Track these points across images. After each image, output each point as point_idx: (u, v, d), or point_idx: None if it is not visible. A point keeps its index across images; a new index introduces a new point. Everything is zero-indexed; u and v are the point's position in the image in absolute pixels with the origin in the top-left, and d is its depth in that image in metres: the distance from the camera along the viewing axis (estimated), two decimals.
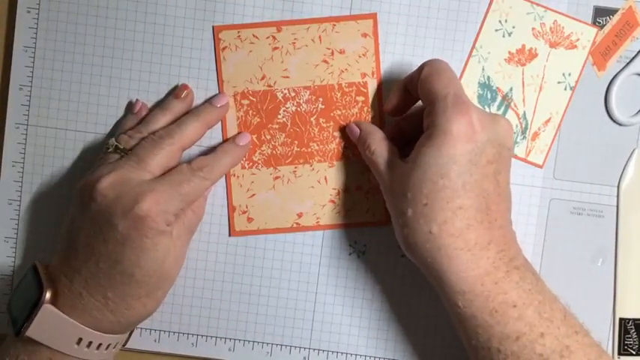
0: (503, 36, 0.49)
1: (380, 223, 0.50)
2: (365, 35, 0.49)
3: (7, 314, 0.45)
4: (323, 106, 0.49)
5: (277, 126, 0.50)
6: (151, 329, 0.51)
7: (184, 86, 0.49)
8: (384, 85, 0.49)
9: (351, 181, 0.50)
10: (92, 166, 0.46)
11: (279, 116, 0.49)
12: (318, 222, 0.50)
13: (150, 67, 0.50)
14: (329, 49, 0.49)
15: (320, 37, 0.49)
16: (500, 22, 0.49)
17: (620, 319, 0.50)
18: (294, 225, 0.50)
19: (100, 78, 0.50)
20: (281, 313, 0.51)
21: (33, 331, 0.42)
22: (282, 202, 0.50)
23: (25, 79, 0.50)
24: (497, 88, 0.50)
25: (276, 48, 0.49)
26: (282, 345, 0.51)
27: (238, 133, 0.49)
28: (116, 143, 0.46)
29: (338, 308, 0.50)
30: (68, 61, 0.50)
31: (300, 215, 0.50)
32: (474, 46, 0.49)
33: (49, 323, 0.42)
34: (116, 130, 0.50)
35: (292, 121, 0.49)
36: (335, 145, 0.50)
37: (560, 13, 0.49)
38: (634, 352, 0.50)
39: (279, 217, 0.50)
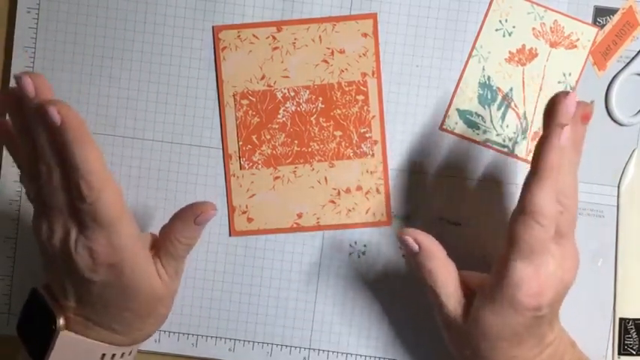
0: (504, 36, 0.49)
1: (380, 223, 0.50)
2: (365, 35, 0.49)
3: (20, 340, 0.44)
4: (323, 106, 0.49)
5: (277, 126, 0.49)
6: None
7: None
8: (385, 84, 0.49)
9: (352, 182, 0.50)
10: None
11: (279, 116, 0.49)
12: (318, 222, 0.50)
13: (150, 67, 0.50)
14: (329, 48, 0.49)
15: (320, 37, 0.49)
16: (500, 21, 0.49)
17: (620, 319, 0.50)
18: (294, 225, 0.50)
19: (100, 78, 0.50)
20: (281, 313, 0.51)
21: (55, 359, 0.42)
22: (282, 202, 0.50)
23: None
24: (497, 88, 0.50)
25: (276, 48, 0.49)
26: (282, 345, 0.51)
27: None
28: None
29: (338, 308, 0.50)
30: (68, 61, 0.50)
31: (300, 215, 0.50)
32: (474, 46, 0.49)
33: (69, 349, 0.42)
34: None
35: (292, 121, 0.49)
36: (335, 144, 0.50)
37: (560, 12, 0.49)
38: (634, 352, 0.50)
39: (279, 217, 0.50)
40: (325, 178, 0.50)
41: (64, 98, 0.50)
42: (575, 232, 0.41)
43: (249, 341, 0.51)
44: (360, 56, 0.49)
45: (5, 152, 0.50)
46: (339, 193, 0.50)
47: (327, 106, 0.49)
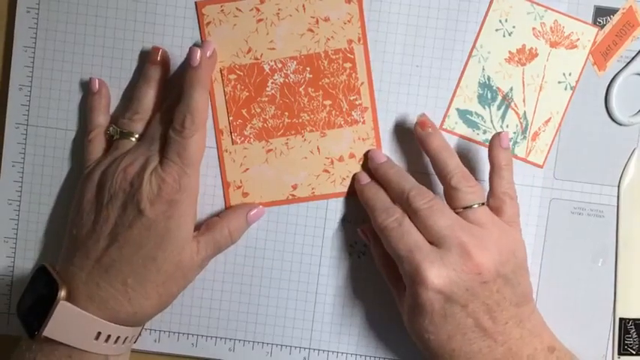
0: (504, 36, 0.49)
1: None
2: (349, 1, 0.49)
3: (18, 318, 0.45)
4: (311, 76, 0.49)
5: (266, 99, 0.49)
6: (150, 329, 0.51)
7: (155, 49, 0.48)
8: (371, 50, 0.49)
9: (344, 150, 0.50)
10: (106, 156, 0.47)
11: (268, 89, 0.49)
12: (313, 192, 0.50)
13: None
14: (313, 17, 0.49)
15: (304, 5, 0.49)
16: (500, 21, 0.49)
17: (620, 319, 0.50)
18: (290, 197, 0.50)
19: (100, 78, 0.50)
20: (281, 313, 0.51)
21: (50, 330, 0.42)
22: (276, 174, 0.50)
23: (25, 79, 0.50)
24: (497, 87, 0.50)
25: (260, 20, 0.49)
26: (282, 345, 0.51)
27: (190, 49, 0.46)
28: (120, 129, 0.47)
29: (338, 308, 0.50)
30: (68, 61, 0.50)
31: (294, 187, 0.50)
32: (474, 46, 0.49)
33: (66, 320, 0.43)
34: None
35: (281, 93, 0.49)
36: (325, 113, 0.49)
37: (560, 12, 0.49)
38: (634, 352, 0.50)
39: (274, 189, 0.50)
40: (318, 148, 0.50)
41: (64, 98, 0.50)
42: (477, 223, 0.44)
43: (249, 341, 0.51)
44: (345, 23, 0.49)
45: (5, 152, 0.50)
46: (332, 162, 0.50)
47: (315, 75, 0.49)
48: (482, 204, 0.44)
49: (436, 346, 0.43)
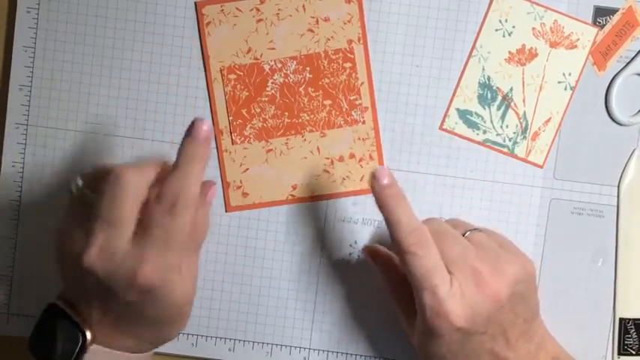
0: (504, 36, 0.49)
1: None
2: (349, 1, 0.49)
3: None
4: (311, 76, 0.49)
5: (266, 99, 0.49)
6: None
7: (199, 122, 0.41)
8: (371, 50, 0.49)
9: (344, 150, 0.50)
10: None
11: (268, 89, 0.49)
12: (313, 193, 0.50)
13: (150, 67, 0.50)
14: (313, 17, 0.49)
15: (304, 6, 0.49)
16: (500, 21, 0.49)
17: (620, 319, 0.50)
18: (290, 197, 0.50)
19: (100, 78, 0.50)
20: (281, 313, 0.51)
21: None
22: (276, 174, 0.50)
23: (25, 79, 0.50)
24: (497, 88, 0.50)
25: (260, 20, 0.49)
26: (282, 345, 0.51)
27: (194, 121, 0.40)
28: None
29: (338, 308, 0.50)
30: (68, 61, 0.50)
31: (294, 187, 0.50)
32: (474, 46, 0.49)
33: None
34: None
35: (281, 93, 0.49)
36: (325, 113, 0.49)
37: (560, 12, 0.49)
38: (634, 352, 0.50)
39: (274, 190, 0.50)
40: (318, 148, 0.50)
41: (64, 98, 0.50)
42: (484, 246, 0.43)
43: (249, 341, 0.51)
44: (345, 23, 0.49)
45: (5, 152, 0.50)
46: (332, 163, 0.50)
47: (315, 75, 0.49)
48: (476, 229, 0.45)
49: None
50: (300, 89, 0.49)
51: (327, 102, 0.49)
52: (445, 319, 0.40)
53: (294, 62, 0.49)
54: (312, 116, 0.49)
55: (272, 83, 0.49)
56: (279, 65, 0.49)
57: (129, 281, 0.39)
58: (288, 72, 0.49)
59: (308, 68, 0.49)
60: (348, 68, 0.49)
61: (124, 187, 0.39)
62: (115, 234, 0.39)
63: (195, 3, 0.49)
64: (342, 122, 0.50)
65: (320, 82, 0.49)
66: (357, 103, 0.49)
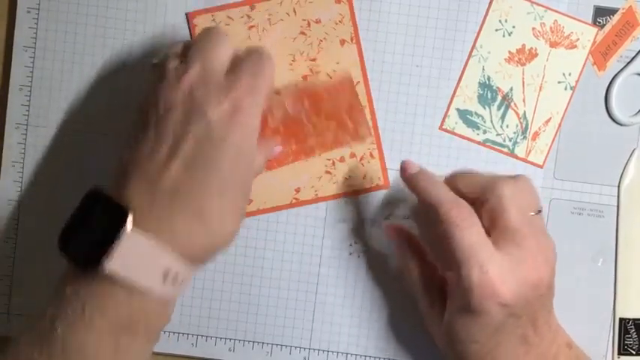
0: (504, 36, 0.49)
1: (378, 187, 0.50)
2: (339, 1, 0.49)
3: (62, 252, 0.37)
4: (309, 104, 0.49)
5: (270, 132, 0.49)
6: None
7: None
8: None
9: (345, 150, 0.50)
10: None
11: (269, 122, 0.49)
12: (316, 194, 0.50)
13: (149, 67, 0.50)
14: (305, 20, 0.49)
15: (294, 9, 0.49)
16: (500, 21, 0.49)
17: (620, 319, 0.50)
18: (293, 201, 0.50)
19: (100, 78, 0.50)
20: (281, 313, 0.51)
21: (115, 264, 0.34)
22: (279, 180, 0.50)
23: (25, 79, 0.50)
24: (497, 87, 0.50)
25: (252, 26, 0.49)
26: (282, 345, 0.51)
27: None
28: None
29: (338, 308, 0.50)
30: (68, 61, 0.50)
31: (298, 190, 0.50)
32: (474, 46, 0.49)
33: (133, 254, 0.35)
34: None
35: (284, 125, 0.49)
36: (332, 134, 0.49)
37: (560, 12, 0.49)
38: (634, 352, 0.50)
39: (277, 195, 0.50)
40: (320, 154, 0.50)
41: (64, 98, 0.50)
42: (540, 230, 0.42)
43: (249, 341, 0.51)
44: (337, 23, 0.49)
45: (5, 152, 0.50)
46: (333, 164, 0.50)
47: (314, 101, 0.49)
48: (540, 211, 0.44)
49: (475, 353, 0.42)
50: (302, 117, 0.49)
51: (332, 123, 0.49)
52: (492, 292, 0.39)
53: (289, 99, 0.49)
54: (319, 138, 0.49)
55: (271, 118, 0.49)
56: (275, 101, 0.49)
57: (220, 98, 0.39)
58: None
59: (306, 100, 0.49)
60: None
61: (221, 31, 0.42)
62: (214, 67, 0.40)
63: (186, 14, 0.49)
64: (349, 139, 0.49)
65: (321, 107, 0.49)
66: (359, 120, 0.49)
